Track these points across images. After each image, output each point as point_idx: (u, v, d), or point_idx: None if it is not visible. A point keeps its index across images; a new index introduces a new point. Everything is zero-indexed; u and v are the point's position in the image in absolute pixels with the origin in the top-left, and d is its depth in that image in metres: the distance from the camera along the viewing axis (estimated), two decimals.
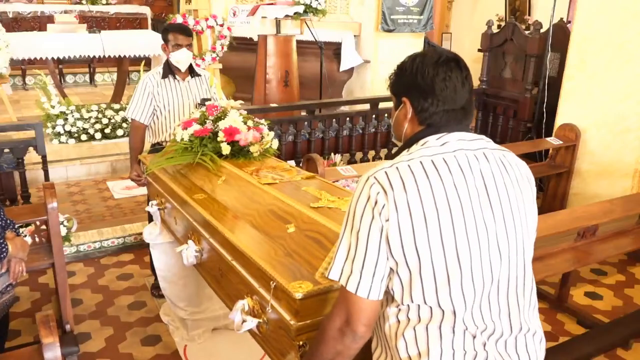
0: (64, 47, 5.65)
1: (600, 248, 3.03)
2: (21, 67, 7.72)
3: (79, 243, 3.71)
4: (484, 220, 1.13)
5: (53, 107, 5.45)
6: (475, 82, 6.15)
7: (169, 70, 3.06)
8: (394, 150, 1.30)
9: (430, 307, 1.12)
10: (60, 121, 5.47)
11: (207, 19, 5.52)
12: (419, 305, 1.13)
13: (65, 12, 7.11)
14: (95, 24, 8.00)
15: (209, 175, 2.32)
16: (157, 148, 3.08)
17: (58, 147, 5.45)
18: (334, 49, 6.69)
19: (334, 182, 2.56)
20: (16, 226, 2.25)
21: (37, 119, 4.81)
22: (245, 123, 2.52)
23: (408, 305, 1.14)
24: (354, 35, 6.81)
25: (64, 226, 3.53)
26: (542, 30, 4.94)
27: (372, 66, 6.74)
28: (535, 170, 4.51)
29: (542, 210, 4.47)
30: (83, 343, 2.77)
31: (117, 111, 5.77)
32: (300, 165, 3.67)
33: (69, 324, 2.69)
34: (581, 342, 2.69)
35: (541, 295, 3.25)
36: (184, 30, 3.06)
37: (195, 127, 2.50)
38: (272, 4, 5.34)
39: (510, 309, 1.19)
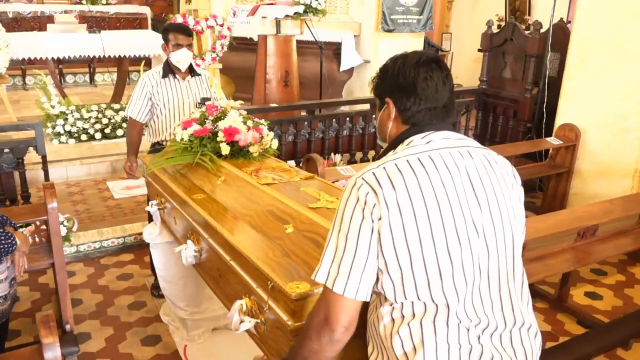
0: (64, 47, 5.65)
1: (600, 248, 3.03)
2: (21, 67, 7.72)
3: (79, 243, 3.71)
4: (472, 215, 1.15)
5: (53, 107, 5.45)
6: (475, 82, 6.17)
7: (169, 69, 3.06)
8: (381, 151, 1.34)
9: (424, 303, 1.13)
10: (60, 121, 5.48)
11: (207, 19, 5.53)
12: (412, 302, 1.14)
13: (65, 12, 7.11)
14: (95, 24, 8.00)
15: (209, 175, 2.32)
16: (157, 148, 3.08)
17: (58, 147, 5.45)
18: (334, 49, 6.69)
19: (333, 182, 2.56)
20: (13, 222, 2.26)
21: (37, 119, 4.80)
22: (245, 123, 2.52)
23: (402, 303, 1.15)
24: (354, 35, 6.81)
25: (64, 226, 3.54)
26: (542, 30, 4.94)
27: (372, 66, 6.74)
28: (535, 170, 4.52)
29: (542, 210, 4.48)
30: (83, 343, 2.77)
31: (117, 111, 5.77)
32: (300, 165, 3.67)
33: (69, 324, 2.69)
34: (581, 342, 2.69)
35: (541, 295, 3.26)
36: (185, 30, 3.07)
37: (195, 127, 2.50)
38: (272, 4, 5.34)
39: (503, 302, 1.20)
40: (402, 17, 6.42)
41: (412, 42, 6.59)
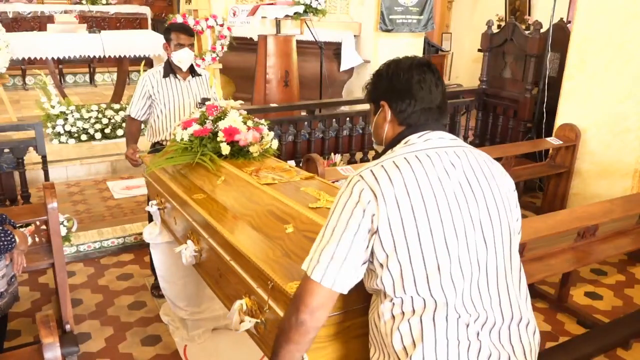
0: (64, 47, 5.64)
1: (600, 248, 3.03)
2: (21, 67, 7.72)
3: (79, 243, 3.71)
4: (469, 210, 1.18)
5: (53, 107, 5.45)
6: (475, 82, 6.17)
7: (170, 69, 3.06)
8: (380, 152, 1.37)
9: (424, 299, 1.15)
10: (60, 121, 5.48)
11: (207, 19, 5.52)
12: (412, 297, 1.15)
13: (65, 12, 7.11)
14: (95, 24, 8.00)
15: (209, 175, 2.32)
16: (157, 148, 3.09)
17: (58, 147, 5.45)
18: (334, 49, 6.69)
19: (333, 182, 2.56)
20: (12, 220, 2.26)
21: (37, 119, 4.80)
22: (245, 123, 2.52)
23: (401, 298, 1.16)
24: (354, 35, 6.81)
25: (64, 226, 3.54)
26: (542, 30, 4.94)
27: (372, 66, 6.74)
28: (535, 170, 4.52)
29: (542, 210, 4.48)
30: (83, 343, 2.77)
31: (117, 111, 5.77)
32: (300, 165, 3.67)
33: (69, 324, 2.69)
34: (581, 342, 2.69)
35: (541, 295, 3.26)
36: (186, 30, 3.07)
37: (195, 127, 2.50)
38: (272, 4, 5.34)
39: (501, 297, 1.21)
40: (401, 17, 6.42)
41: (412, 42, 6.58)
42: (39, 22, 8.03)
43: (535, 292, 3.25)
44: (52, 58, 5.85)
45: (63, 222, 3.52)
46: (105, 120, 5.68)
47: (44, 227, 2.77)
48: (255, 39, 5.64)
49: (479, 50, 5.67)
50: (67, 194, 4.72)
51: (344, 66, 6.71)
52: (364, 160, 4.90)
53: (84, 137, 5.58)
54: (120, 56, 5.96)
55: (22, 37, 5.74)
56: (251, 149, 2.48)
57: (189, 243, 2.03)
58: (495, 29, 5.61)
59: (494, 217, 1.21)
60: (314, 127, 4.50)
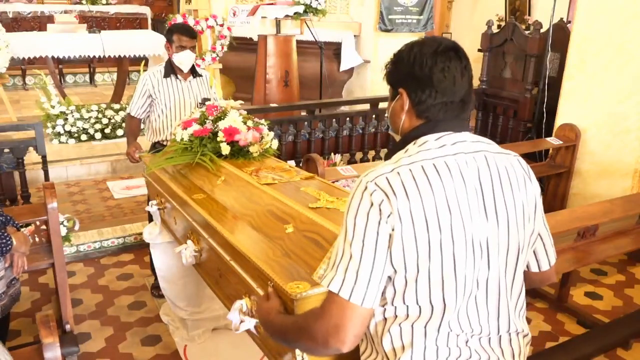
0: (64, 47, 5.64)
1: (600, 248, 3.03)
2: (21, 67, 7.72)
3: (79, 243, 3.71)
4: (479, 227, 1.11)
5: (53, 107, 5.45)
6: (475, 82, 6.15)
7: (171, 69, 3.06)
8: (390, 148, 1.26)
9: (420, 307, 1.11)
10: (60, 121, 5.48)
11: (207, 19, 5.53)
12: (408, 306, 1.12)
13: (65, 12, 7.11)
14: (95, 24, 8.00)
15: (209, 175, 2.32)
16: (157, 148, 3.09)
17: (58, 147, 5.45)
18: (334, 49, 6.69)
19: (333, 182, 2.56)
20: (16, 222, 2.26)
21: (37, 119, 4.81)
22: (245, 123, 2.52)
23: (397, 306, 1.13)
24: (354, 35, 6.81)
25: (64, 226, 3.54)
26: (542, 30, 4.93)
27: (372, 66, 6.75)
28: (535, 170, 4.44)
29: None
30: (83, 343, 2.77)
31: (117, 111, 5.77)
32: (300, 165, 3.67)
33: (69, 324, 2.69)
34: (581, 342, 2.69)
35: (541, 295, 3.26)
36: (189, 31, 3.06)
37: (195, 127, 2.50)
38: (272, 4, 5.34)
39: (500, 312, 1.18)
40: (400, 17, 6.42)
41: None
42: (39, 22, 8.04)
43: (535, 292, 3.25)
44: (52, 58, 5.84)
45: (63, 222, 3.52)
46: (105, 120, 5.68)
47: (44, 227, 2.77)
48: (255, 39, 5.64)
49: (479, 50, 5.66)
50: (67, 194, 4.72)
51: (344, 66, 6.71)
52: (364, 160, 4.90)
53: (84, 137, 5.58)
54: (120, 56, 5.96)
55: (22, 37, 5.74)
56: (251, 149, 2.49)
57: (189, 243, 2.03)
58: (495, 29, 5.60)
59: (503, 233, 1.14)
60: (314, 127, 4.50)
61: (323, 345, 1.10)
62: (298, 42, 5.66)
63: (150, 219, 2.76)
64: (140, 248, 3.79)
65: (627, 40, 3.86)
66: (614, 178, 4.07)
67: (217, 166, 2.37)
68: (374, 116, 4.88)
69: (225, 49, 5.74)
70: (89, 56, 5.98)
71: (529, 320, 2.96)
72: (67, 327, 2.68)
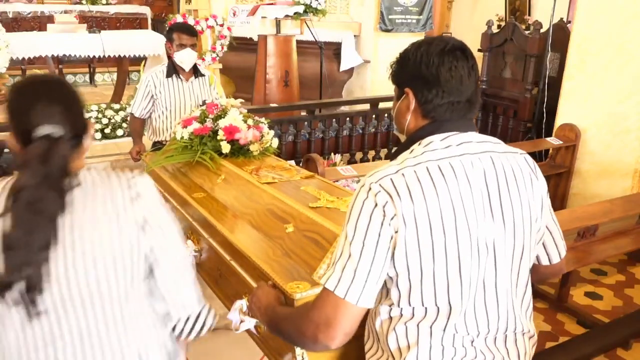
0: (64, 47, 5.64)
1: (600, 248, 3.03)
2: (21, 67, 7.71)
3: None
4: (485, 229, 1.10)
5: None
6: None
7: (173, 69, 3.06)
8: (395, 149, 1.26)
9: (426, 308, 1.11)
10: None
11: (207, 19, 5.53)
12: (414, 308, 1.12)
13: (65, 12, 7.11)
14: (95, 24, 7.99)
15: (209, 174, 2.32)
16: (158, 147, 3.09)
17: None
18: (334, 49, 6.69)
19: (334, 182, 2.56)
20: None
21: None
22: (245, 122, 2.52)
23: (403, 307, 1.13)
24: (354, 35, 6.81)
25: None
26: (542, 30, 4.94)
27: (372, 66, 6.74)
28: None
29: None
30: None
31: (117, 111, 5.76)
32: (300, 165, 3.67)
33: None
34: (581, 342, 2.68)
35: (541, 295, 3.25)
36: (189, 30, 3.06)
37: (195, 125, 2.50)
38: (272, 4, 5.34)
39: (507, 312, 1.17)
40: (400, 17, 6.42)
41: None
42: (39, 22, 8.02)
43: (535, 292, 3.23)
44: (52, 58, 5.85)
45: None
46: (105, 120, 5.67)
47: None
48: (255, 39, 5.64)
49: (479, 50, 5.66)
50: None
51: (344, 66, 6.71)
52: (364, 160, 4.90)
53: None
54: (120, 56, 5.96)
55: (22, 37, 5.74)
56: (251, 147, 2.48)
57: (188, 243, 2.02)
58: (495, 29, 5.61)
59: (509, 234, 1.14)
60: (314, 127, 4.51)
61: (312, 340, 1.11)
62: (298, 42, 5.66)
63: None
64: None
65: (627, 40, 3.86)
66: (614, 178, 4.07)
67: (217, 165, 2.37)
68: (374, 116, 4.88)
69: (225, 49, 5.74)
70: (89, 56, 5.98)
71: None
72: None
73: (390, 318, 1.15)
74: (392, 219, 1.05)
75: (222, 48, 5.72)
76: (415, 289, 1.09)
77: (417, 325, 1.12)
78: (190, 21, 5.33)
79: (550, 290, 3.29)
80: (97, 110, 5.69)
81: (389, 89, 1.31)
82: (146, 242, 1.11)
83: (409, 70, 1.18)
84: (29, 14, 7.01)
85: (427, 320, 1.11)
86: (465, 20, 9.09)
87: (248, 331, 1.55)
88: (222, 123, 2.47)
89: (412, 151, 1.15)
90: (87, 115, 1.16)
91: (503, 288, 1.16)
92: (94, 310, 1.08)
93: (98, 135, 5.61)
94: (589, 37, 4.10)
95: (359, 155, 4.92)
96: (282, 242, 1.63)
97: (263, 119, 2.68)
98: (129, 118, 3.32)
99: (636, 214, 3.30)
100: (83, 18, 7.56)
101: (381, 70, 6.54)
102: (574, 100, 4.30)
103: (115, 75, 6.81)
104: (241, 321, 1.51)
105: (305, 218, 1.75)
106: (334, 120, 4.68)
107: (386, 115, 4.86)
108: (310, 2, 5.33)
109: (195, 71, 3.13)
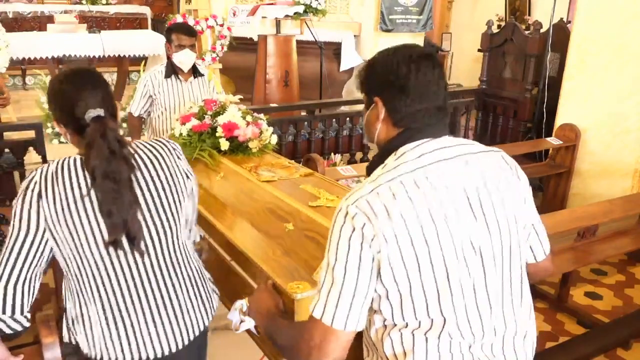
0: (64, 47, 5.64)
1: (600, 248, 3.03)
2: (21, 67, 7.71)
3: None
4: (469, 234, 1.09)
5: None
6: (475, 82, 6.17)
7: (172, 69, 3.05)
8: (369, 163, 1.24)
9: (420, 321, 1.10)
10: None
11: (207, 19, 5.52)
12: (407, 322, 1.11)
13: (65, 12, 7.11)
14: (95, 24, 7.98)
15: (208, 171, 2.32)
16: None
17: (58, 147, 5.44)
18: (334, 49, 6.69)
19: (337, 180, 2.56)
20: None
21: (37, 119, 4.80)
22: (244, 118, 2.52)
23: (396, 322, 1.12)
24: (354, 35, 6.81)
25: None
26: (542, 30, 4.94)
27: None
28: (535, 170, 4.52)
29: (542, 210, 4.43)
30: None
31: None
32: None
33: None
34: (581, 342, 2.69)
35: (541, 295, 3.25)
36: (188, 30, 3.05)
37: (194, 122, 2.50)
38: (272, 4, 5.34)
39: (499, 314, 1.15)
40: (401, 17, 6.42)
41: (412, 42, 6.59)
42: (39, 22, 8.02)
43: (535, 292, 3.24)
44: (52, 58, 5.84)
45: None
46: None
47: None
48: (255, 39, 5.63)
49: (479, 50, 5.67)
50: None
51: (344, 66, 6.71)
52: (364, 160, 4.90)
53: None
54: (120, 56, 5.96)
55: (22, 37, 5.73)
56: (250, 144, 2.48)
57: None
58: (495, 29, 5.61)
59: (495, 236, 1.12)
60: (314, 127, 4.50)
61: (305, 359, 1.13)
62: (298, 42, 5.66)
63: None
64: None
65: (627, 41, 3.86)
66: (614, 178, 4.07)
67: (216, 162, 2.37)
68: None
69: (225, 49, 5.74)
70: (89, 56, 5.96)
71: None
72: None
73: (385, 326, 1.14)
74: (372, 240, 1.04)
75: (222, 48, 5.71)
76: (406, 302, 1.08)
77: (412, 333, 1.11)
78: (190, 21, 5.33)
79: (550, 290, 3.29)
80: None
81: None
82: (190, 185, 1.50)
83: (377, 78, 1.17)
84: (29, 14, 7.01)
85: (421, 329, 1.10)
86: (465, 20, 9.09)
87: (248, 331, 1.55)
88: (221, 120, 2.46)
89: (384, 166, 1.13)
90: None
91: (494, 289, 1.14)
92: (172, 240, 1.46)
93: None
94: (589, 37, 4.10)
95: (359, 155, 4.92)
96: (282, 241, 1.63)
97: (262, 115, 2.67)
98: (127, 116, 3.31)
99: (636, 214, 3.30)
100: (83, 18, 7.56)
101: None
102: (574, 100, 4.30)
103: (115, 75, 6.81)
104: (241, 321, 1.51)
105: (305, 217, 1.75)
106: (334, 120, 4.68)
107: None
108: (310, 2, 5.33)
109: (195, 71, 3.12)
